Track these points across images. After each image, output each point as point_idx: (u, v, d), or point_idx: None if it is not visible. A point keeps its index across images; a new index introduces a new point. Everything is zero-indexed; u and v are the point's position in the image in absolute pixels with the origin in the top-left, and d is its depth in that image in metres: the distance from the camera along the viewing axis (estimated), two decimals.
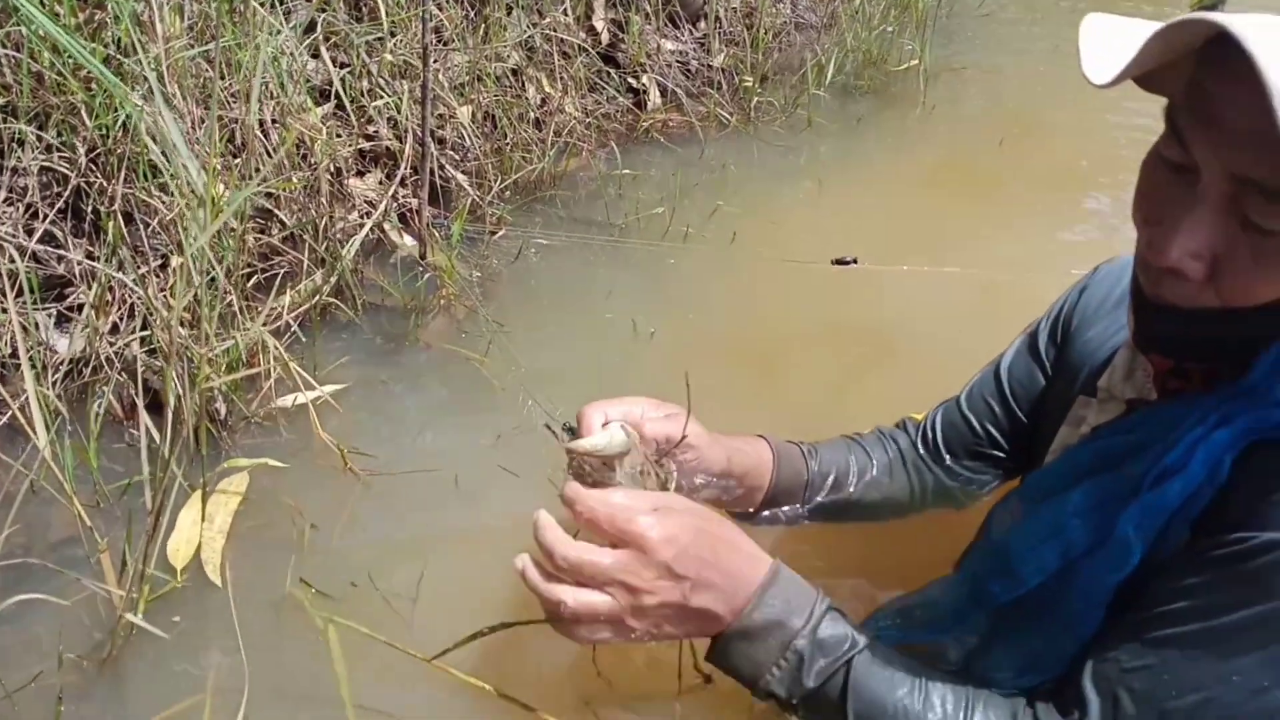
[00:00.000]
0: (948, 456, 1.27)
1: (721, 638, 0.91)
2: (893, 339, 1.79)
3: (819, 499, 1.23)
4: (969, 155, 2.46)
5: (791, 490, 1.21)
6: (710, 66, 2.70)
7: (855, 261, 1.92)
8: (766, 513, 1.21)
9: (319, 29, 1.94)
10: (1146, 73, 0.84)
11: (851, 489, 1.25)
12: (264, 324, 1.57)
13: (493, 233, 1.96)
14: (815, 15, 3.09)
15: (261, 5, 1.72)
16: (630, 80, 2.57)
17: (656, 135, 2.45)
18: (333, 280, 1.70)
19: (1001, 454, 1.26)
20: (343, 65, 2.02)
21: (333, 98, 1.94)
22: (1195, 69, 0.79)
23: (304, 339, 1.64)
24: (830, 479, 1.23)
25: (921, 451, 1.30)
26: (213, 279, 1.41)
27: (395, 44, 2.05)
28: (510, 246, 1.95)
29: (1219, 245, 0.80)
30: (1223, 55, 0.73)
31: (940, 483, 1.27)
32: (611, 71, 2.52)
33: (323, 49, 1.95)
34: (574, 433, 1.05)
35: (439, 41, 2.18)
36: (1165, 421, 0.87)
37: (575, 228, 2.04)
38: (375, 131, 2.03)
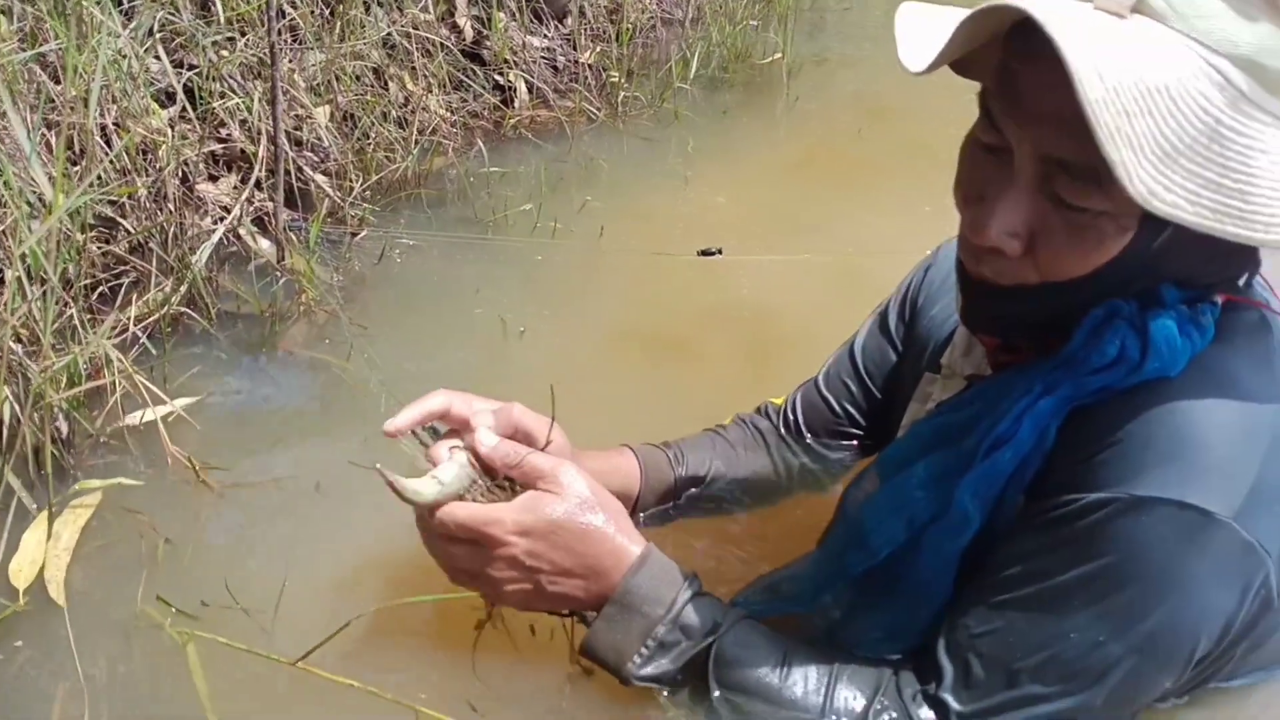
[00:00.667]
0: (809, 437, 1.29)
1: (589, 630, 0.94)
2: (761, 325, 1.82)
3: (688, 498, 1.24)
4: (831, 143, 2.51)
5: (660, 496, 1.22)
6: (577, 63, 2.69)
7: (720, 252, 1.93)
8: (641, 516, 1.22)
9: (154, 29, 1.86)
10: (963, 58, 0.87)
11: (720, 484, 1.26)
12: (108, 336, 1.51)
13: (354, 234, 1.91)
14: (680, 10, 3.11)
15: (98, 5, 1.65)
16: (497, 77, 2.54)
17: (524, 132, 2.43)
18: (183, 289, 1.64)
19: (860, 431, 1.29)
20: (190, 67, 1.94)
21: (179, 100, 1.87)
22: (1004, 53, 0.82)
23: (154, 351, 1.57)
24: (697, 479, 1.25)
25: (784, 435, 1.31)
26: (48, 291, 1.35)
27: (245, 43, 1.99)
28: (373, 248, 1.91)
29: (1034, 223, 0.82)
30: (1027, 38, 0.76)
31: (804, 464, 1.29)
32: (477, 69, 2.49)
33: (160, 50, 1.88)
34: (435, 433, 1.03)
35: (293, 40, 2.12)
36: (996, 394, 0.90)
37: (441, 227, 2.01)
38: (228, 134, 1.97)
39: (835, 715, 0.91)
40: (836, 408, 1.29)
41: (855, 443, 1.31)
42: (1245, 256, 0.87)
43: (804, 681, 0.92)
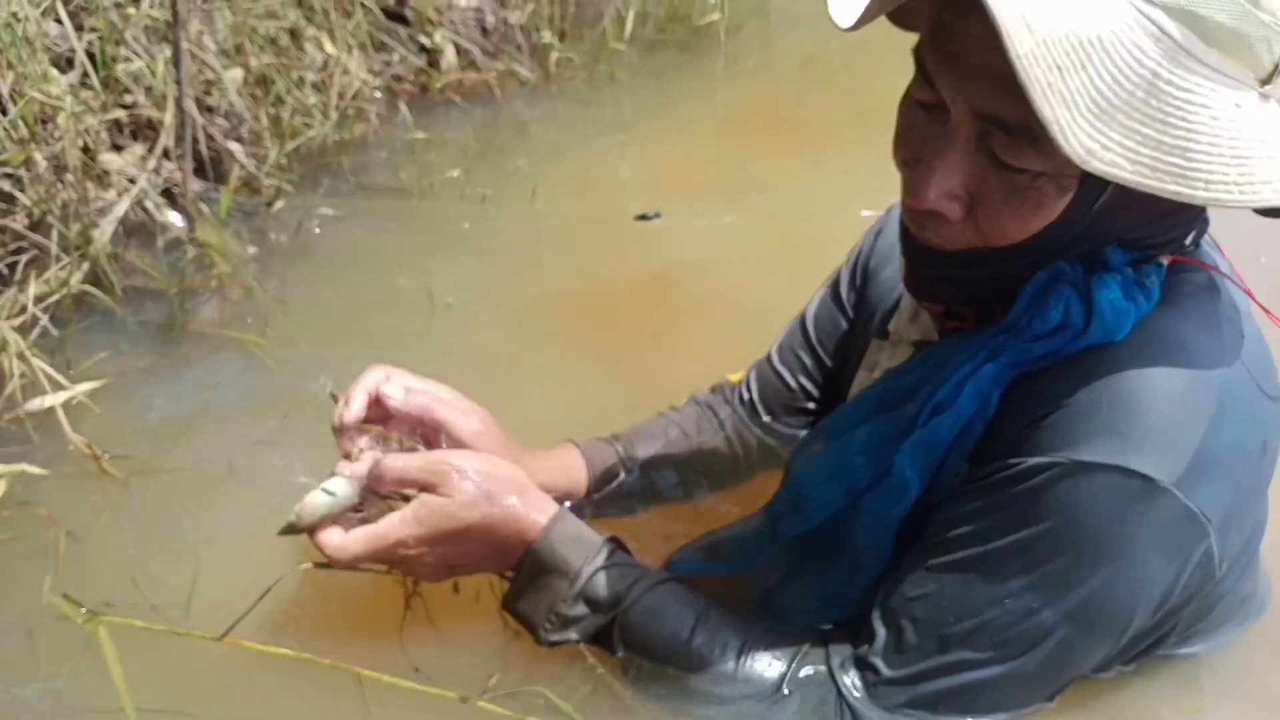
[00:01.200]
0: (765, 415, 1.26)
1: (506, 593, 0.96)
2: (700, 290, 1.77)
3: (641, 489, 1.21)
4: (771, 103, 2.47)
5: (609, 493, 1.19)
6: (507, 23, 2.60)
7: (658, 216, 1.88)
8: (588, 510, 1.18)
9: None
10: (902, 9, 0.82)
11: (671, 473, 1.23)
12: (6, 317, 1.42)
13: (270, 204, 1.83)
14: None
15: None
16: (422, 39, 2.44)
17: (452, 96, 2.35)
18: (86, 266, 1.55)
19: (814, 404, 1.26)
20: (92, 30, 1.83)
21: (78, 65, 1.76)
22: (937, 5, 0.78)
23: (56, 333, 1.48)
24: (647, 470, 1.21)
25: (741, 414, 1.28)
26: None
27: (149, 3, 1.87)
28: (290, 219, 1.82)
29: (974, 184, 0.80)
30: None
31: (762, 442, 1.26)
32: (400, 29, 2.39)
33: (62, 12, 1.76)
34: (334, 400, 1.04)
35: (202, 0, 2.01)
36: (940, 360, 0.88)
37: (363, 195, 1.93)
38: (133, 101, 1.86)
39: (749, 679, 0.90)
40: (791, 382, 1.26)
41: (812, 416, 1.27)
42: (1192, 215, 0.85)
43: (717, 646, 0.91)
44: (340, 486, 0.95)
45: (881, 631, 0.87)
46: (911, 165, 0.84)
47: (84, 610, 1.11)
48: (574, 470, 1.16)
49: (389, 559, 0.93)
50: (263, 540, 1.21)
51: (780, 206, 1.95)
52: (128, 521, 1.25)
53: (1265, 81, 0.73)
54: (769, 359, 1.27)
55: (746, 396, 1.27)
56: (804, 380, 1.25)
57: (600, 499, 1.18)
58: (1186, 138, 0.69)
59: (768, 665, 0.90)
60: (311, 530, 0.95)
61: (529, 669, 0.99)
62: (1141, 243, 0.83)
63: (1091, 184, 0.74)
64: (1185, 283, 0.85)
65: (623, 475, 1.19)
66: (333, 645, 1.04)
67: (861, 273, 1.20)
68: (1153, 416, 0.78)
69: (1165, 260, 0.84)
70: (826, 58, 2.60)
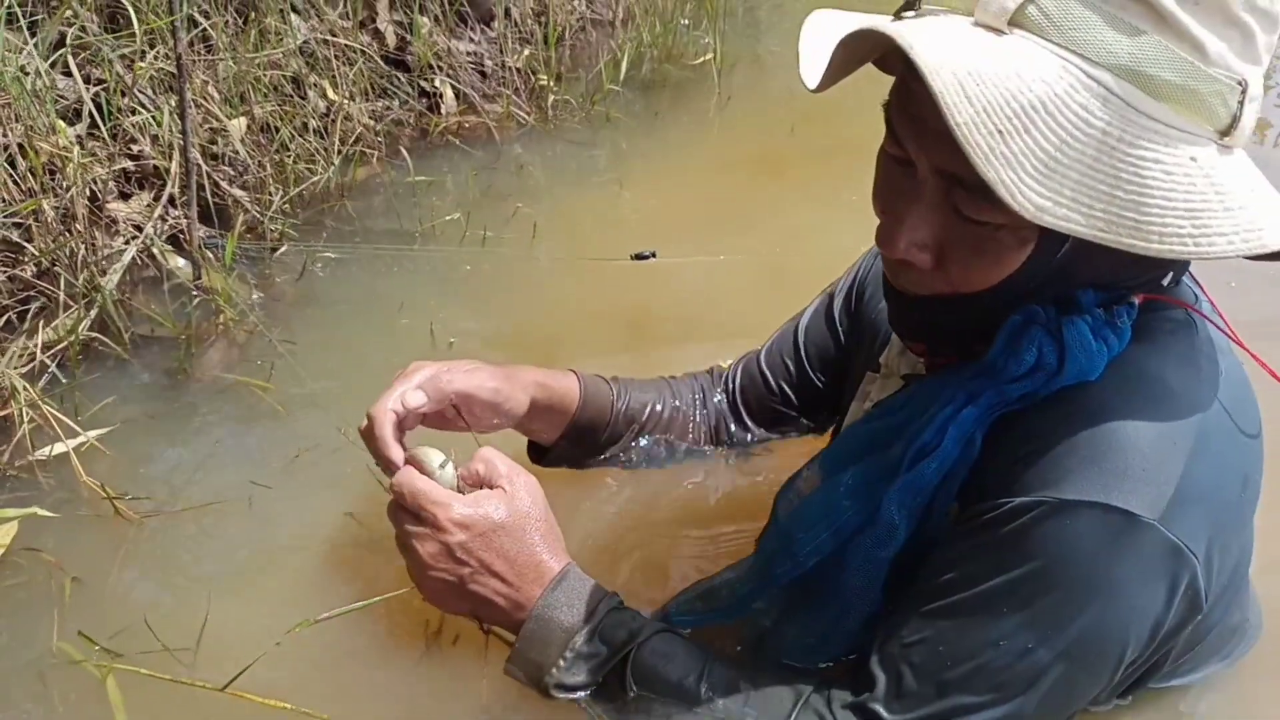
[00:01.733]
0: (743, 409, 1.32)
1: (513, 645, 0.96)
2: (696, 327, 1.79)
3: (617, 442, 1.26)
4: (764, 142, 2.49)
5: (594, 427, 1.24)
6: (505, 66, 2.64)
7: (654, 255, 1.90)
8: (564, 445, 1.23)
9: (67, 43, 1.79)
10: (882, 58, 0.85)
11: (652, 433, 1.29)
12: (14, 365, 1.44)
13: (274, 249, 1.85)
14: (609, 11, 3.07)
15: None
16: (422, 83, 2.49)
17: (452, 139, 2.38)
18: (94, 313, 1.57)
19: (794, 413, 1.30)
20: (99, 81, 1.87)
21: (85, 116, 1.80)
22: (902, 66, 0.80)
23: (64, 380, 1.51)
24: (634, 421, 1.27)
25: (720, 403, 1.33)
26: None
27: (155, 55, 1.92)
28: (295, 263, 1.85)
29: (942, 236, 0.82)
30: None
31: (735, 434, 1.32)
32: (400, 75, 2.43)
33: (72, 64, 1.80)
34: None
35: (205, 50, 2.05)
36: (923, 402, 0.90)
37: (366, 238, 1.95)
38: (140, 151, 1.89)
39: None
40: (773, 385, 1.30)
41: (788, 423, 1.32)
42: (1166, 259, 0.86)
43: (721, 696, 0.92)
44: (450, 466, 1.00)
45: (881, 677, 0.87)
46: (885, 214, 0.86)
47: (94, 653, 1.13)
48: (567, 393, 1.21)
49: (427, 516, 0.94)
50: (272, 583, 1.24)
51: (773, 242, 1.98)
52: (139, 565, 1.27)
53: (1224, 133, 0.75)
54: (758, 358, 1.31)
55: (731, 386, 1.32)
56: (785, 386, 1.29)
57: (579, 430, 1.23)
58: (1139, 193, 0.70)
59: (771, 715, 0.91)
60: (407, 461, 1.00)
61: None
62: (1115, 284, 0.84)
63: (1051, 236, 0.75)
64: (1163, 320, 0.87)
65: (609, 417, 1.24)
66: (336, 700, 1.06)
67: (857, 294, 1.22)
68: (1131, 453, 0.79)
69: (1137, 300, 0.85)
70: (816, 98, 2.59)
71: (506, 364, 1.17)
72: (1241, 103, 0.74)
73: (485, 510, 0.95)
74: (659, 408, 1.29)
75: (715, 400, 1.33)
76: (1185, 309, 0.88)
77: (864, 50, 0.81)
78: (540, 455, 1.26)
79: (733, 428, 1.32)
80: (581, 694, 0.95)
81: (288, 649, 1.10)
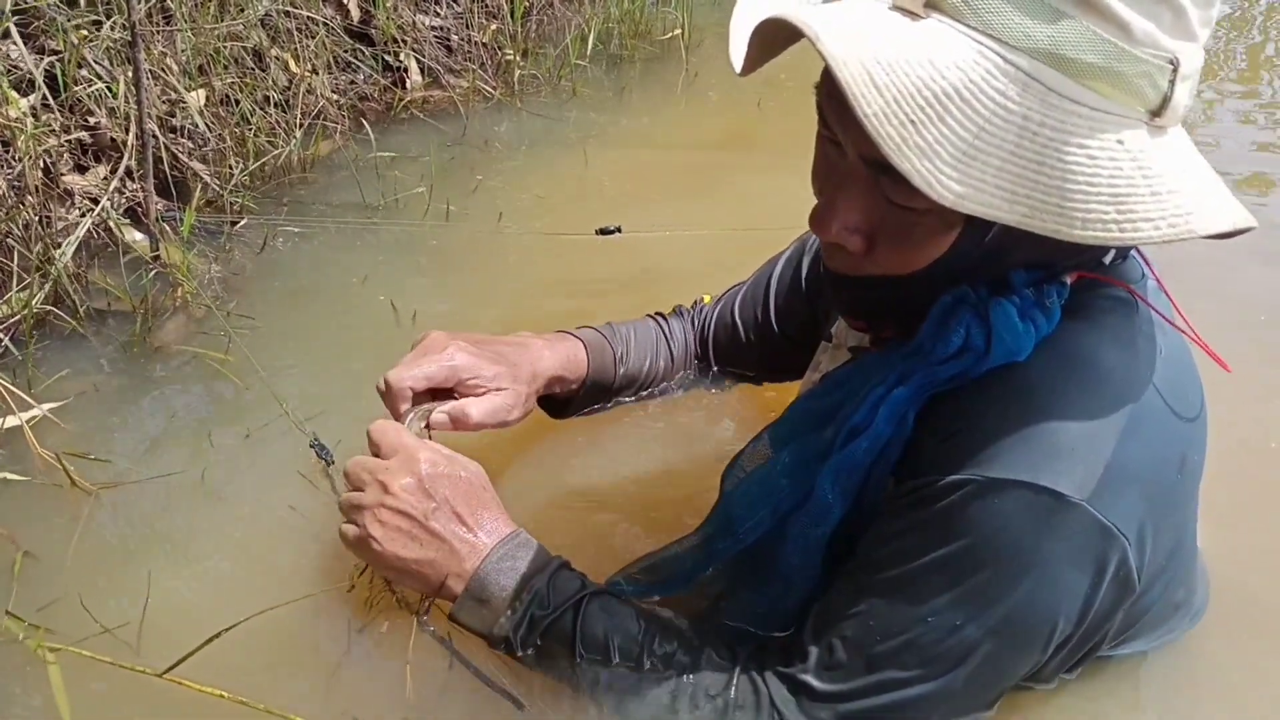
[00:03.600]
0: (713, 356, 1.38)
1: (465, 587, 0.95)
2: (661, 301, 1.76)
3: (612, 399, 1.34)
4: (731, 117, 2.49)
5: (593, 397, 1.30)
6: (471, 41, 2.62)
7: (619, 230, 1.89)
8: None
9: (7, 10, 1.75)
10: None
11: (647, 389, 1.36)
12: None
13: (234, 223, 1.83)
14: None
15: None
16: (386, 58, 2.46)
17: (417, 113, 2.36)
18: (48, 287, 1.55)
19: (758, 370, 1.37)
20: (53, 52, 1.84)
21: (39, 87, 1.76)
22: None
23: (18, 354, 1.48)
24: (632, 385, 1.33)
25: (695, 344, 1.39)
26: None
27: (111, 25, 1.88)
28: (255, 237, 1.83)
29: (872, 219, 0.81)
30: None
31: (713, 386, 1.39)
32: (364, 49, 2.41)
33: (15, 35, 1.77)
34: (323, 449, 1.16)
35: (164, 21, 2.02)
36: (858, 381, 0.90)
37: (328, 213, 1.93)
38: (97, 123, 1.86)
39: (691, 697, 0.91)
40: (744, 336, 1.34)
41: (752, 378, 1.37)
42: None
43: (665, 656, 0.92)
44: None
45: (813, 650, 0.88)
46: (819, 197, 0.86)
47: (39, 630, 1.11)
48: (578, 366, 1.25)
49: (399, 446, 0.97)
50: (225, 562, 1.23)
51: (739, 216, 1.97)
52: (90, 540, 1.25)
53: (1155, 114, 0.73)
54: (733, 305, 1.36)
55: (707, 331, 1.37)
56: (753, 336, 1.33)
57: (586, 397, 1.28)
58: (1062, 178, 0.69)
59: (709, 684, 0.91)
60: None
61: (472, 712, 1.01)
62: (1050, 264, 0.83)
63: (978, 220, 0.73)
64: (1099, 299, 0.86)
65: (611, 381, 1.30)
66: (278, 688, 1.05)
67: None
68: (1060, 432, 0.79)
69: (1070, 279, 0.84)
70: (784, 71, 2.62)
71: (523, 349, 1.19)
72: (1173, 81, 0.72)
73: (455, 462, 0.98)
74: (658, 364, 1.34)
75: (692, 344, 1.39)
76: (1123, 288, 0.87)
77: (786, 34, 0.78)
78: None
79: (699, 364, 1.39)
80: (527, 651, 0.94)
81: (233, 635, 1.08)
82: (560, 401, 1.28)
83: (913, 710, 0.85)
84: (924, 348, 0.84)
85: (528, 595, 0.93)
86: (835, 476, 0.88)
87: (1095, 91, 0.70)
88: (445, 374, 1.09)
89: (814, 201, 0.86)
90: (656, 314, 1.40)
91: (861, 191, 0.80)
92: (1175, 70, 0.72)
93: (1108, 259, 0.87)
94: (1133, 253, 0.91)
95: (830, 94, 0.79)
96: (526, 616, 0.93)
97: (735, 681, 0.90)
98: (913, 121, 0.67)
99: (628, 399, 1.35)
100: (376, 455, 0.99)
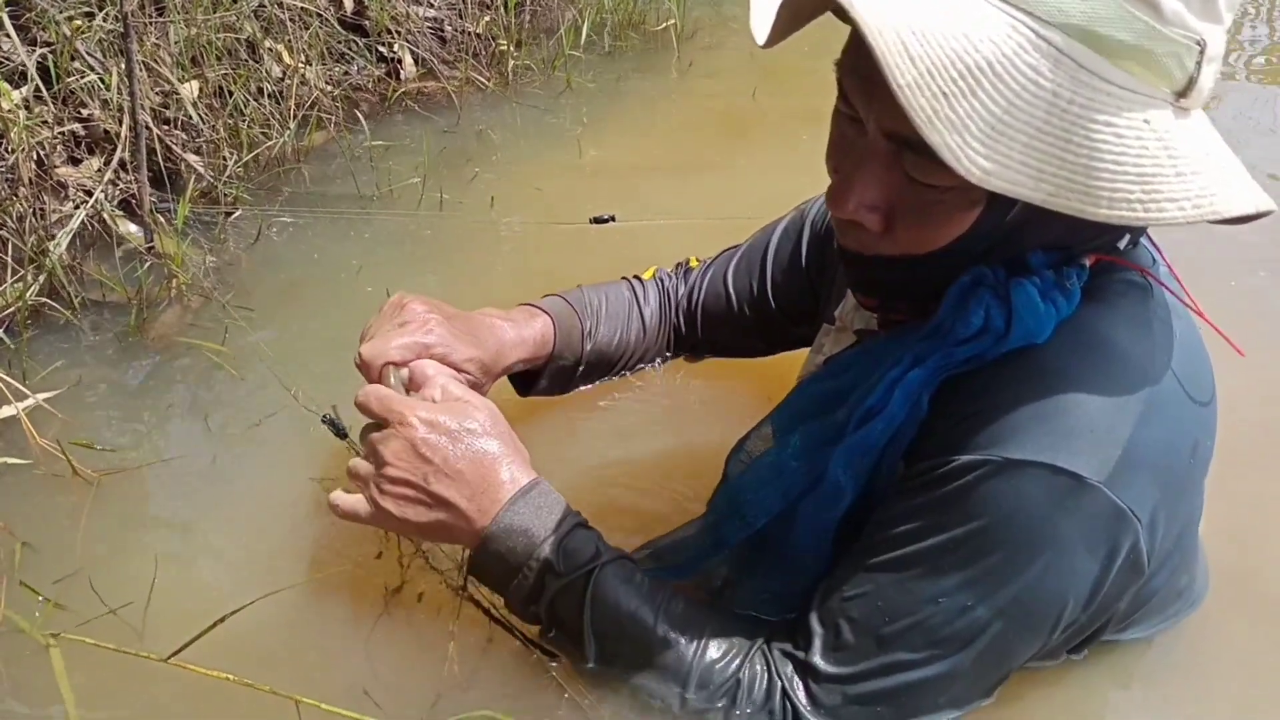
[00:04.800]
0: (700, 326, 1.34)
1: (477, 547, 0.92)
2: None
3: (583, 367, 1.30)
4: (726, 106, 2.49)
5: (567, 367, 1.27)
6: (465, 32, 2.62)
7: (613, 219, 1.90)
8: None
9: None
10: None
11: (618, 364, 1.33)
12: None
13: (229, 214, 1.83)
14: None
15: None
16: (380, 49, 2.46)
17: (411, 104, 2.36)
18: (42, 279, 1.55)
19: (749, 343, 1.34)
20: (46, 44, 1.83)
21: (31, 80, 1.76)
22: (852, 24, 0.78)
23: (12, 345, 1.48)
24: (603, 359, 1.30)
25: (681, 317, 1.35)
26: None
27: (104, 17, 1.88)
28: (249, 227, 1.83)
29: (891, 197, 0.81)
30: None
31: (687, 344, 1.36)
32: (358, 40, 2.40)
33: (10, 28, 1.76)
34: (335, 424, 1.11)
35: (157, 12, 2.01)
36: (871, 363, 0.89)
37: (322, 203, 1.93)
38: (90, 115, 1.86)
39: (701, 678, 0.90)
40: (736, 307, 1.30)
41: (741, 353, 1.35)
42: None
43: (679, 629, 0.91)
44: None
45: (819, 631, 0.87)
46: (836, 174, 0.85)
47: (43, 605, 1.11)
48: (544, 345, 1.23)
49: (393, 414, 0.93)
50: (228, 547, 1.23)
51: (734, 205, 1.97)
52: (90, 529, 1.25)
53: (1181, 95, 0.73)
54: (725, 273, 1.32)
55: (695, 298, 1.33)
56: (748, 309, 1.29)
57: (552, 371, 1.26)
58: (1089, 156, 0.69)
59: (719, 664, 0.90)
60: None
61: (486, 689, 1.00)
62: (1068, 246, 0.83)
63: (1000, 198, 0.73)
64: (1116, 282, 0.85)
65: (579, 355, 1.27)
66: (286, 669, 1.05)
67: (827, 230, 1.21)
68: (1079, 414, 0.79)
69: (1088, 261, 0.84)
70: (779, 60, 2.61)
71: (491, 330, 1.18)
72: (1199, 63, 0.72)
73: (450, 413, 0.94)
74: (629, 334, 1.31)
75: (675, 312, 1.35)
76: (1139, 272, 0.87)
77: (812, 4, 0.78)
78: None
79: (684, 333, 1.35)
80: (540, 615, 0.94)
81: (239, 618, 1.09)
82: (525, 378, 1.26)
83: (920, 691, 0.85)
84: (942, 328, 0.83)
85: (536, 562, 0.91)
86: (848, 459, 0.87)
87: (1125, 70, 0.70)
88: (419, 350, 1.05)
89: (812, 188, 0.86)
90: (635, 276, 1.37)
91: (882, 168, 0.79)
92: (1202, 51, 0.72)
93: (1123, 243, 0.87)
94: (1144, 239, 0.91)
95: (854, 68, 0.78)
96: (538, 583, 0.92)
97: (745, 662, 0.90)
98: (945, 94, 0.67)
99: (599, 379, 1.32)
100: (376, 423, 0.97)
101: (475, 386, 1.09)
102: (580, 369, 1.28)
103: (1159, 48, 0.70)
